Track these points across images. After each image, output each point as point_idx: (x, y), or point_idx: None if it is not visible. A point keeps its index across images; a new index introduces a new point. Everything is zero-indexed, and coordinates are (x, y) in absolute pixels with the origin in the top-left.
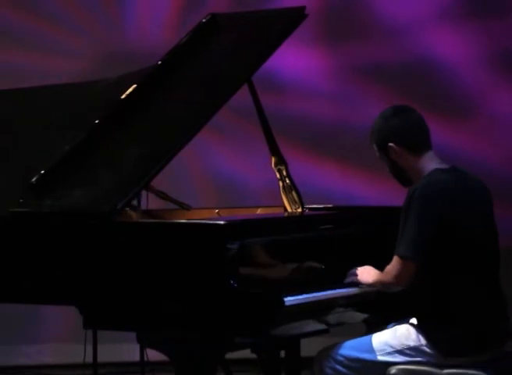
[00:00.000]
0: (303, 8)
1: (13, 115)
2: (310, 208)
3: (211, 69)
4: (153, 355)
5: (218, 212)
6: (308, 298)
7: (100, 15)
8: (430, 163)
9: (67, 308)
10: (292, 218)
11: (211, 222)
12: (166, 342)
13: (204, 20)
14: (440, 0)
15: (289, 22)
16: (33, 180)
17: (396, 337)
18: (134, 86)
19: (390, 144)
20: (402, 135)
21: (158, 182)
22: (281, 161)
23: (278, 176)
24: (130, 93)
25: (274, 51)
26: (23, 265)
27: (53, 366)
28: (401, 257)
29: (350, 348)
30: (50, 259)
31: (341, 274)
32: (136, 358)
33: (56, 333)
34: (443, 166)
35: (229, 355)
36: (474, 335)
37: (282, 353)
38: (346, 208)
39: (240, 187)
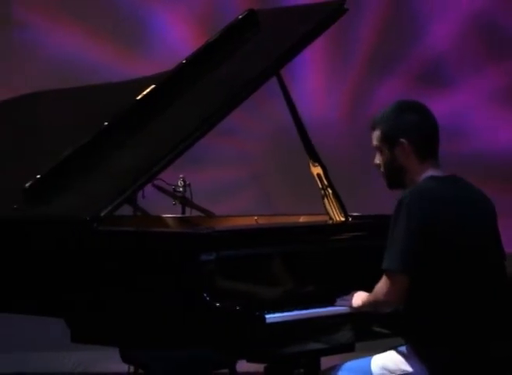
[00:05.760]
0: (342, 1)
1: (40, 116)
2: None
3: (237, 66)
4: None
5: (256, 220)
6: (297, 315)
7: None
8: (429, 170)
9: None
10: (281, 229)
11: (185, 231)
12: (147, 358)
13: (240, 16)
14: None
15: (325, 16)
16: (27, 185)
17: (394, 361)
18: (153, 86)
19: (402, 139)
20: (418, 134)
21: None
22: (320, 167)
23: (319, 184)
24: (147, 94)
25: (305, 47)
26: (10, 274)
27: None
28: (387, 270)
29: (348, 370)
30: (36, 269)
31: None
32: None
33: None
34: (441, 173)
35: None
36: (469, 361)
37: None
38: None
39: None
